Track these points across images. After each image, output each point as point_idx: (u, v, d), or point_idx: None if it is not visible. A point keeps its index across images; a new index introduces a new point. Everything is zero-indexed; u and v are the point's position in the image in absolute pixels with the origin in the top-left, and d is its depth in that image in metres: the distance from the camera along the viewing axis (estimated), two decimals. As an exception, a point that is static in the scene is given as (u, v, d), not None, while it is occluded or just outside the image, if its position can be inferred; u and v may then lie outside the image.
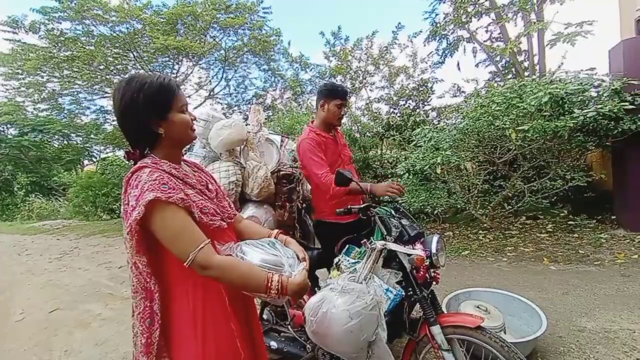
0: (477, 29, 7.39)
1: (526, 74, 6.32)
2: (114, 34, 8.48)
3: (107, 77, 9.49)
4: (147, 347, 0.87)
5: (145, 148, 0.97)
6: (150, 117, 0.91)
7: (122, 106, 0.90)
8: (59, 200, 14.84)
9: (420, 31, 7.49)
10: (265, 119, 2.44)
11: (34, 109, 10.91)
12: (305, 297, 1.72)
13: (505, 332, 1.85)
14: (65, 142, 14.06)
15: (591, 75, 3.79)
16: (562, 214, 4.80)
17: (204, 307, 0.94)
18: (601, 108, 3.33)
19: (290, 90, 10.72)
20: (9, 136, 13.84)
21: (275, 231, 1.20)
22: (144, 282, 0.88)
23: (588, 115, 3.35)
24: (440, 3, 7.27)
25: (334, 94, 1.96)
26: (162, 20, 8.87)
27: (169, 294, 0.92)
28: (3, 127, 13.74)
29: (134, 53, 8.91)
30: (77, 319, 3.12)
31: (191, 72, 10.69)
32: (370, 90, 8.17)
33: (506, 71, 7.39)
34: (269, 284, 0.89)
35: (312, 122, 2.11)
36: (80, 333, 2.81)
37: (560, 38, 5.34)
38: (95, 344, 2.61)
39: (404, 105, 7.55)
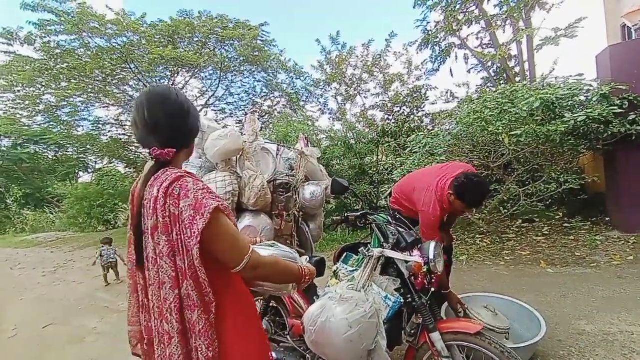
0: (468, 36, 7.56)
1: (517, 79, 6.45)
2: (111, 46, 8.52)
3: (105, 88, 9.50)
4: None
5: (174, 150, 0.93)
6: (198, 125, 1.00)
7: (186, 105, 0.95)
8: (54, 213, 14.68)
9: (415, 41, 7.64)
10: (262, 127, 2.47)
11: (31, 121, 10.83)
12: (304, 306, 1.72)
13: (508, 337, 1.85)
14: (60, 153, 13.98)
15: (580, 81, 3.88)
16: (558, 217, 4.84)
17: (243, 314, 0.97)
18: (591, 112, 3.40)
19: (287, 97, 10.81)
20: (3, 148, 13.73)
21: (260, 238, 1.30)
22: (203, 295, 0.84)
23: (578, 120, 3.42)
24: (430, 11, 7.43)
25: (462, 198, 1.81)
26: (158, 33, 8.95)
27: (216, 305, 0.90)
28: (-3, 140, 13.65)
29: (132, 65, 8.95)
30: (71, 333, 3.06)
31: (187, 82, 10.74)
32: (365, 97, 8.27)
33: (498, 77, 7.54)
34: (303, 272, 1.04)
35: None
36: (74, 348, 2.75)
37: (546, 42, 5.48)
38: (89, 359, 2.55)
39: (398, 111, 7.64)
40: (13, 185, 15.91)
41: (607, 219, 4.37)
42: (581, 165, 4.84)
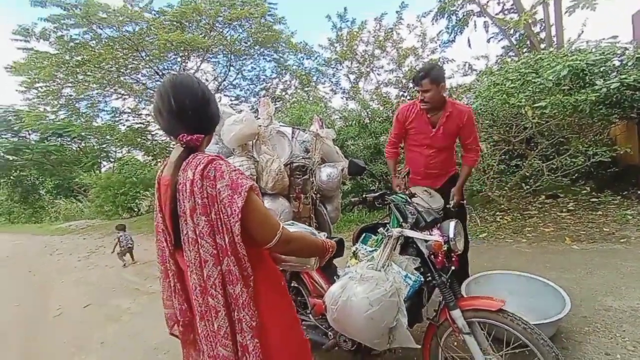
0: (488, 1, 7.05)
1: (542, 46, 6.02)
2: (121, 35, 8.57)
3: (119, 78, 9.66)
4: (256, 330, 0.91)
5: (202, 136, 0.98)
6: (219, 112, 1.04)
7: (208, 91, 0.98)
8: (82, 202, 15.49)
9: (430, 11, 7.22)
10: (275, 110, 2.46)
11: (54, 115, 11.27)
12: (325, 286, 1.76)
13: (440, 214, 1.65)
14: (83, 144, 14.57)
15: (614, 44, 3.57)
16: (584, 192, 4.63)
17: (275, 288, 1.03)
18: (625, 78, 3.14)
19: (298, 79, 10.63)
20: (32, 142, 14.45)
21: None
22: (242, 270, 0.90)
23: (611, 87, 3.17)
24: (448, -23, 6.94)
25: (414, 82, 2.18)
26: (166, 19, 8.89)
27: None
28: (25, 134, 14.34)
29: (143, 53, 9.00)
30: (108, 313, 3.30)
31: (199, 67, 10.73)
32: (378, 74, 8.00)
33: (520, 45, 7.06)
34: (326, 246, 1.11)
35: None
36: (113, 326, 2.98)
37: (579, 4, 5.04)
38: (127, 335, 2.76)
39: (413, 88, 7.36)
40: (44, 177, 16.83)
41: (639, 192, 4.14)
42: (612, 136, 4.56)
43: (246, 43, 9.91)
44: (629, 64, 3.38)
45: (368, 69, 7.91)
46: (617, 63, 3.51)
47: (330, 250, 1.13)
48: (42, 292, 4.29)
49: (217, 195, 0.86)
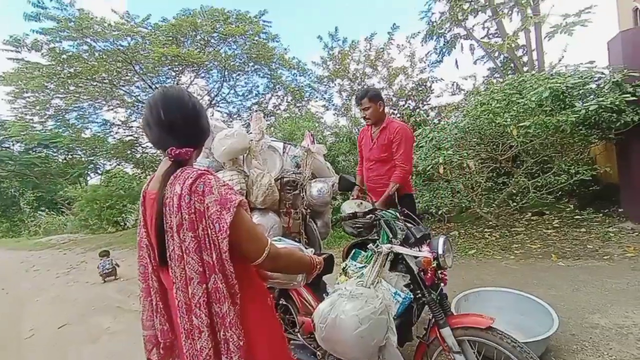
0: (473, 26, 7.44)
1: (525, 69, 6.32)
2: (116, 49, 8.61)
3: (112, 90, 9.62)
4: (243, 350, 0.87)
5: (192, 149, 0.97)
6: (209, 125, 1.04)
7: (199, 105, 0.98)
8: (65, 215, 14.99)
9: (418, 32, 7.54)
10: (267, 126, 2.50)
11: (42, 125, 11.06)
12: (314, 303, 1.72)
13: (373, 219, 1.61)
14: (70, 156, 14.25)
15: (591, 68, 3.78)
16: (568, 209, 4.75)
17: (262, 306, 1.01)
18: (602, 101, 3.31)
19: (290, 95, 10.79)
20: (16, 153, 14.05)
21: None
22: (230, 287, 0.87)
23: (590, 109, 3.33)
24: (435, 2, 7.32)
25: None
26: (161, 33, 9.00)
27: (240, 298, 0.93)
28: (9, 144, 13.97)
29: (137, 66, 9.03)
30: (86, 333, 3.13)
31: (192, 82, 10.81)
32: (370, 92, 8.19)
33: (505, 67, 7.40)
34: (314, 262, 1.10)
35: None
36: (91, 347, 2.82)
37: (557, 30, 5.35)
38: (105, 357, 2.61)
39: (403, 105, 7.56)
40: (26, 189, 16.28)
41: (620, 210, 4.27)
42: (592, 155, 4.74)
43: (240, 59, 10.08)
44: (606, 87, 3.57)
45: (359, 87, 8.11)
46: (594, 87, 3.70)
47: (318, 267, 1.12)
48: (15, 311, 4.06)
49: (205, 210, 0.84)
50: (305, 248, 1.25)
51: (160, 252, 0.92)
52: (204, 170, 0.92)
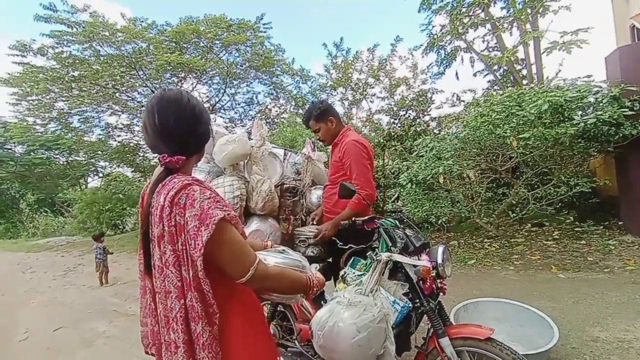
0: (474, 39, 7.55)
1: (524, 82, 6.39)
2: (120, 53, 8.73)
3: (115, 94, 9.71)
4: None
5: (184, 158, 0.91)
6: (209, 130, 0.99)
7: (198, 109, 0.93)
8: (64, 217, 14.95)
9: (421, 45, 7.66)
10: (269, 133, 2.52)
11: (44, 128, 11.12)
12: (312, 310, 1.71)
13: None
14: (71, 158, 14.29)
15: (589, 82, 3.83)
16: (568, 221, 4.75)
17: (249, 324, 0.94)
18: (601, 114, 3.35)
19: (293, 102, 10.89)
20: (17, 154, 14.10)
21: (270, 242, 1.30)
22: (207, 306, 0.83)
23: (588, 122, 3.37)
24: (435, 15, 7.45)
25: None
26: (166, 39, 9.14)
27: (220, 317, 0.88)
28: (11, 145, 14.03)
29: (140, 72, 9.14)
30: (81, 337, 3.09)
31: (194, 88, 10.91)
32: (371, 101, 8.32)
33: (505, 80, 7.49)
34: (311, 283, 1.01)
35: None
36: (84, 352, 2.78)
37: (556, 46, 5.44)
38: (99, 362, 2.58)
39: (404, 115, 7.63)
40: (26, 190, 16.28)
41: (619, 222, 4.27)
42: (592, 168, 4.76)
43: (242, 66, 10.20)
44: (604, 101, 3.61)
45: (361, 96, 8.20)
46: (592, 100, 3.74)
47: (316, 288, 1.03)
48: (9, 314, 4.02)
49: (184, 224, 0.80)
50: (310, 265, 1.16)
51: (145, 260, 0.90)
52: (191, 180, 0.87)
